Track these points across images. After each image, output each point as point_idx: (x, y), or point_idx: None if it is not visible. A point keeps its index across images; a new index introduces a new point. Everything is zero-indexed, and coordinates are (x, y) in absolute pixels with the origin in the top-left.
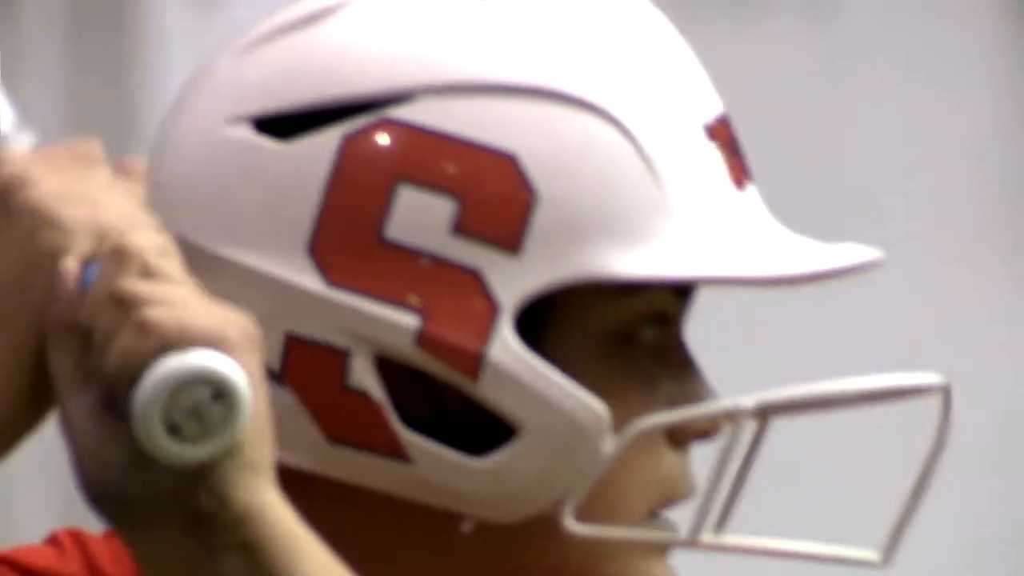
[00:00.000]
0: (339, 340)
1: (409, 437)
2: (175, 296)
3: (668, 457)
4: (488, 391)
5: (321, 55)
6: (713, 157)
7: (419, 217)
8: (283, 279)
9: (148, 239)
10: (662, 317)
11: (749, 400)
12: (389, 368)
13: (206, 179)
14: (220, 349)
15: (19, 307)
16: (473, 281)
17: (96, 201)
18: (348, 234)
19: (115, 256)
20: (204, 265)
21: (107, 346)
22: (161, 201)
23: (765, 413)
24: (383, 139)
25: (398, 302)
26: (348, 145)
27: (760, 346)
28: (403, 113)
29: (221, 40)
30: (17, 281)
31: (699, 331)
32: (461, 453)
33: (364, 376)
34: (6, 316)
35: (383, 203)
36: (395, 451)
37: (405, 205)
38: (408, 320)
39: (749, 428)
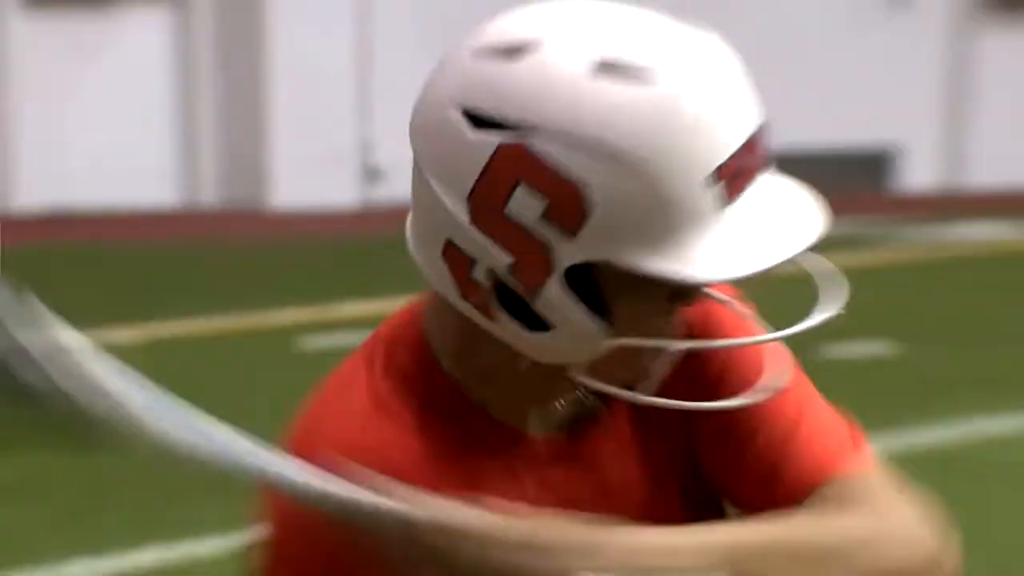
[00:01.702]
0: (469, 252)
1: (503, 317)
2: None
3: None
4: (540, 307)
5: (512, 85)
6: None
7: (524, 205)
8: (448, 207)
9: None
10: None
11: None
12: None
13: (433, 133)
14: None
15: None
16: (545, 247)
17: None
18: (488, 200)
19: None
20: (418, 180)
21: None
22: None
23: None
24: (515, 154)
25: (505, 247)
26: (499, 150)
27: None
28: (533, 141)
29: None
30: None
31: None
32: (525, 328)
33: (482, 278)
34: None
35: (507, 191)
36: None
37: (519, 196)
38: (507, 258)
39: None
